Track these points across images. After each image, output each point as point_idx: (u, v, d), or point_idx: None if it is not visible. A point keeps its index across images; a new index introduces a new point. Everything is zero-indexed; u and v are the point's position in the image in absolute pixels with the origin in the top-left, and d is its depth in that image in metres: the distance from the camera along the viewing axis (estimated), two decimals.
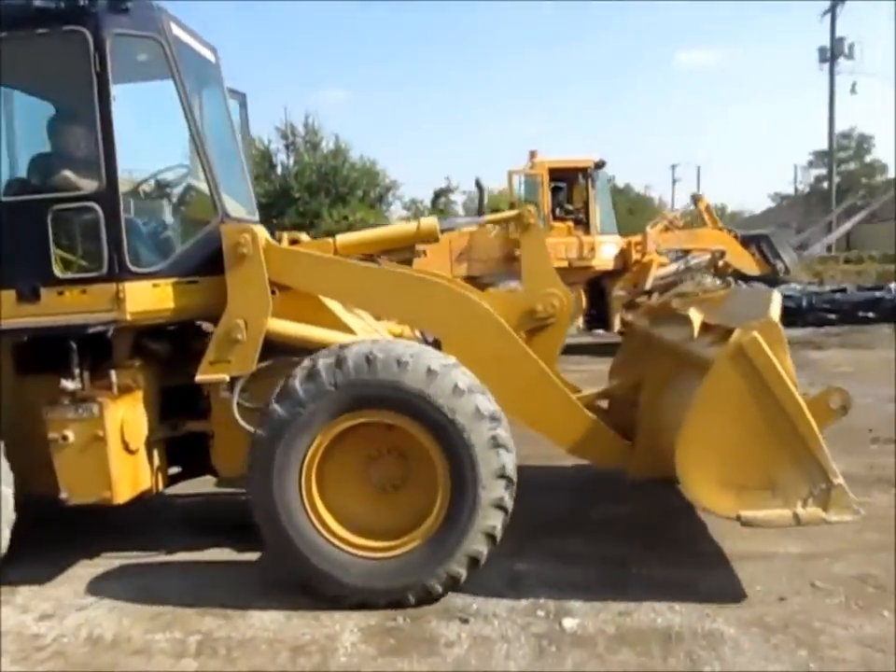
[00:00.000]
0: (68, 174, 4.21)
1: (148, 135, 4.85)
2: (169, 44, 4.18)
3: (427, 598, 3.74)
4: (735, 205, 59.28)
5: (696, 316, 4.07)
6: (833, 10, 29.91)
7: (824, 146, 33.47)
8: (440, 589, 3.74)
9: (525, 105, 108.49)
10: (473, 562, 3.73)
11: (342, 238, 4.80)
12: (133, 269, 4.07)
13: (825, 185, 33.48)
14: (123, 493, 4.16)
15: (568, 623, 3.57)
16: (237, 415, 4.19)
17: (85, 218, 4.14)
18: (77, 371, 4.06)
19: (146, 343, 4.44)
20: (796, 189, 49.80)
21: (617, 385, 5.24)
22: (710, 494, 3.50)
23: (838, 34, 30.05)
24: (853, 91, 32.45)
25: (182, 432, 4.55)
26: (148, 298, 4.13)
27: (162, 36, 4.17)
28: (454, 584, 3.76)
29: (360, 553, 3.79)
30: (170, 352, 4.55)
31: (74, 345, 4.04)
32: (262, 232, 4.33)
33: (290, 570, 3.91)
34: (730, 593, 3.79)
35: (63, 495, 4.08)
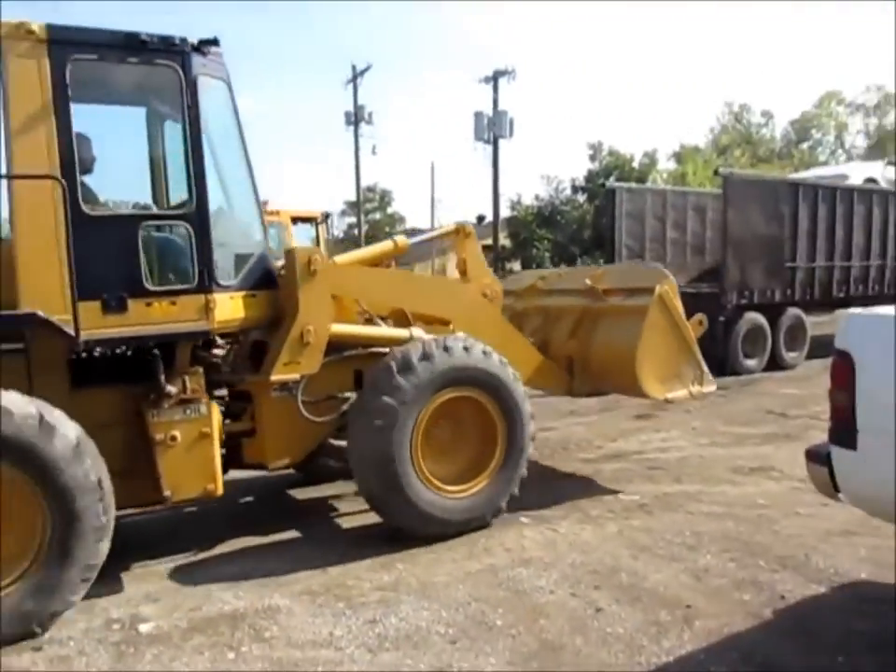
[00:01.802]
0: (160, 192, 4.70)
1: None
2: (231, 88, 4.76)
3: (497, 514, 5.26)
4: None
5: (601, 284, 6.28)
6: (354, 80, 34.34)
7: (353, 197, 38.11)
8: (505, 506, 5.28)
9: None
10: (521, 483, 5.36)
11: (341, 257, 5.71)
12: (219, 282, 4.48)
13: (356, 231, 38.30)
14: (221, 485, 4.65)
15: (144, 627, 3.93)
16: (302, 408, 4.99)
17: (176, 235, 4.49)
18: (172, 377, 4.47)
19: (197, 352, 4.77)
20: (333, 235, 55.14)
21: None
22: (653, 387, 5.68)
23: (360, 101, 34.60)
24: (374, 152, 37.95)
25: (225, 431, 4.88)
26: (228, 309, 4.56)
27: (228, 81, 4.74)
28: (513, 500, 5.31)
29: (451, 495, 5.04)
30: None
31: (158, 353, 4.43)
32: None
33: (397, 515, 4.94)
34: (283, 572, 4.56)
35: (167, 493, 4.43)
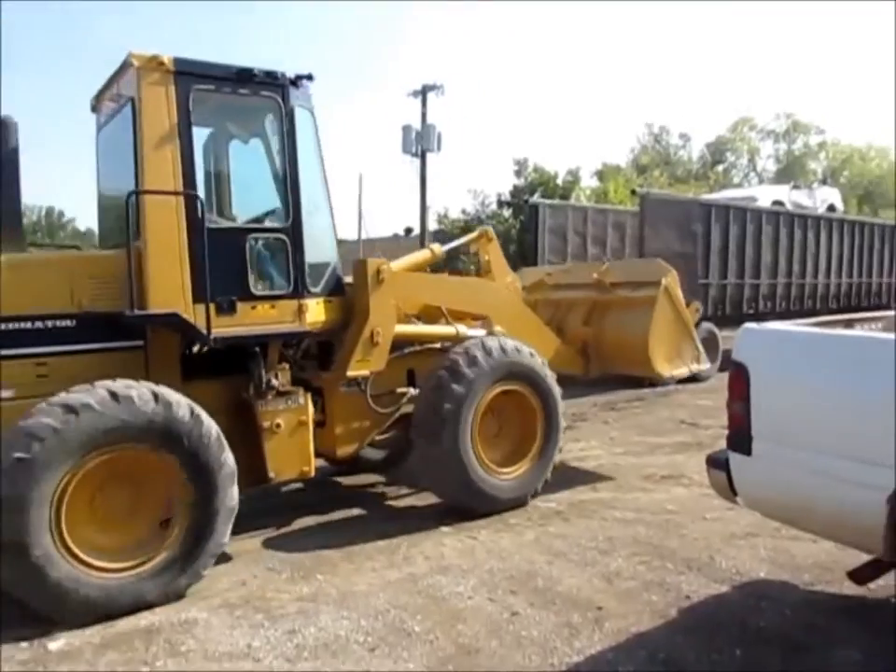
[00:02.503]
0: (263, 209, 5.23)
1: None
2: (314, 116, 5.34)
3: (535, 495, 6.01)
4: None
5: (608, 278, 7.21)
6: None
7: None
8: (541, 486, 6.05)
9: None
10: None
11: (396, 263, 6.23)
12: (309, 289, 5.14)
13: None
14: (314, 468, 5.29)
15: (54, 644, 3.83)
16: (371, 401, 5.71)
17: (276, 247, 5.05)
18: (267, 371, 5.07)
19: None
20: None
21: None
22: (662, 366, 6.61)
23: None
24: None
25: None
26: (314, 312, 5.20)
27: (313, 110, 5.33)
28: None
29: (501, 476, 5.79)
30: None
31: (257, 350, 5.06)
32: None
33: (457, 494, 5.65)
34: (200, 585, 4.50)
35: (272, 475, 5.05)
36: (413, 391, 5.94)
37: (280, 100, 5.08)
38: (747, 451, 3.33)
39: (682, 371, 6.88)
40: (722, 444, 7.84)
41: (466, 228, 30.30)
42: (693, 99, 78.60)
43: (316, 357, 5.79)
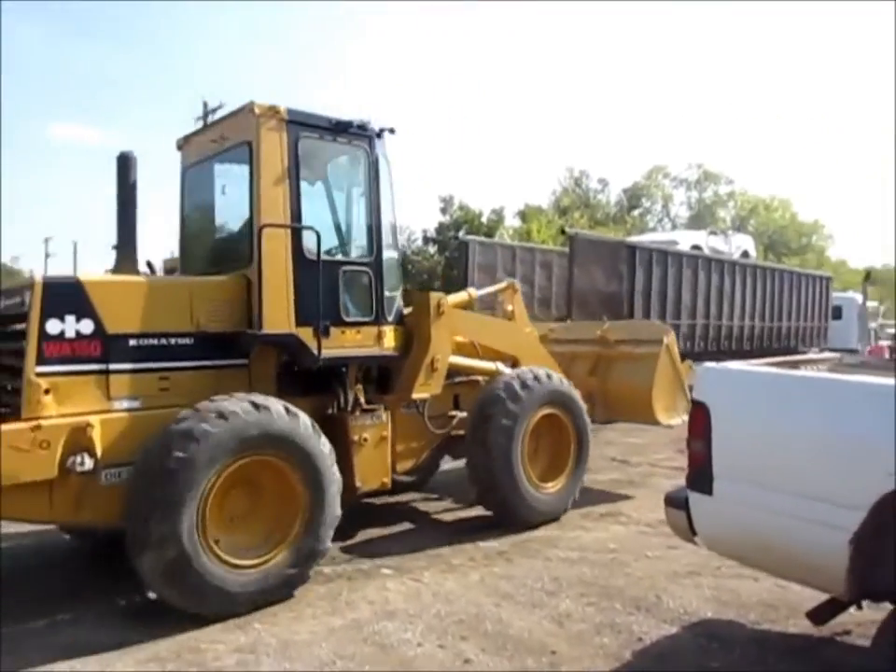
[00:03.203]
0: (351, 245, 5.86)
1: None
2: (389, 163, 5.85)
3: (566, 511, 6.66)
4: None
5: (611, 336, 7.98)
6: (205, 118, 33.35)
7: None
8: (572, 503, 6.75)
9: None
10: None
11: (448, 301, 6.40)
12: (386, 318, 5.73)
13: None
14: (390, 480, 5.88)
15: None
16: (428, 422, 6.30)
17: (361, 279, 5.60)
18: (356, 390, 5.67)
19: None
20: None
21: None
22: (662, 415, 7.33)
23: None
24: (223, 192, 36.71)
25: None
26: (388, 338, 5.76)
27: (388, 157, 5.84)
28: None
29: (543, 491, 6.47)
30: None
31: (347, 370, 5.66)
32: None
33: (507, 506, 6.23)
34: (129, 638, 4.15)
35: (359, 485, 5.46)
36: (461, 414, 6.57)
37: (367, 149, 5.74)
38: (707, 490, 3.32)
39: (676, 421, 7.52)
40: (654, 481, 8.04)
41: None
42: (611, 145, 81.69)
43: (374, 381, 6.10)
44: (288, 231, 5.19)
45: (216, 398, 4.57)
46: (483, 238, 18.60)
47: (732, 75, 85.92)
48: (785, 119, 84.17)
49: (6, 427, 4.13)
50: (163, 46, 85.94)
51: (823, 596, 4.27)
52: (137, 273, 5.44)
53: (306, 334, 5.19)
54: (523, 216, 35.23)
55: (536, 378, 6.45)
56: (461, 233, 29.84)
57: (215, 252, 6.09)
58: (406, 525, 6.55)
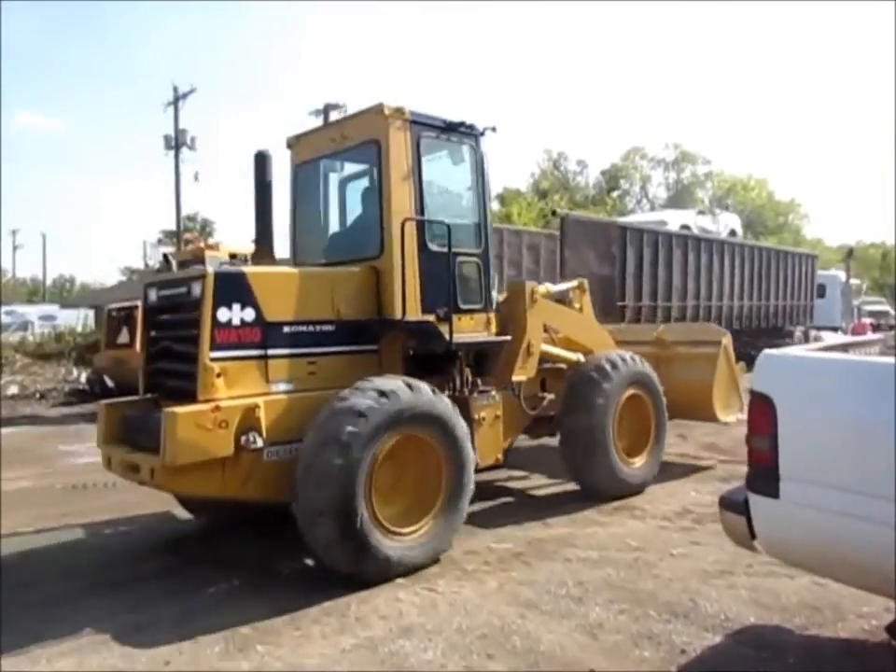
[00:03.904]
0: (463, 237, 5.96)
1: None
2: (487, 159, 6.24)
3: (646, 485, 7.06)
4: (86, 277, 58.40)
5: (668, 337, 8.36)
6: (175, 103, 32.41)
7: (172, 226, 35.74)
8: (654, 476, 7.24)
9: None
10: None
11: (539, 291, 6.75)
12: (492, 304, 6.14)
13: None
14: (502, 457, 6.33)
15: None
16: (523, 403, 6.62)
17: (473, 268, 6.02)
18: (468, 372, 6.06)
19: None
20: (147, 265, 51.70)
21: None
22: (720, 413, 7.85)
23: (182, 125, 32.64)
24: (196, 179, 35.79)
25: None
26: (493, 324, 6.16)
27: (485, 153, 6.23)
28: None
29: (630, 465, 6.92)
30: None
31: (462, 355, 6.01)
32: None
33: (601, 480, 6.63)
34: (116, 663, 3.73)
35: (478, 461, 5.62)
36: (550, 396, 6.90)
37: (475, 146, 6.16)
38: (772, 493, 2.96)
39: (732, 419, 8.03)
40: (661, 472, 7.72)
41: None
42: (589, 127, 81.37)
43: (472, 365, 6.26)
44: (415, 224, 5.54)
45: (371, 378, 4.96)
46: None
47: (732, 75, 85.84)
48: (785, 118, 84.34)
49: (193, 408, 4.57)
50: (119, 33, 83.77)
51: (865, 595, 4.00)
52: (276, 264, 5.72)
53: (432, 321, 5.64)
54: (502, 199, 34.79)
55: (623, 360, 6.91)
56: None
57: (335, 244, 6.48)
58: None
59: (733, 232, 19.43)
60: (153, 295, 5.43)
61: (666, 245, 14.68)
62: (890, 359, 2.73)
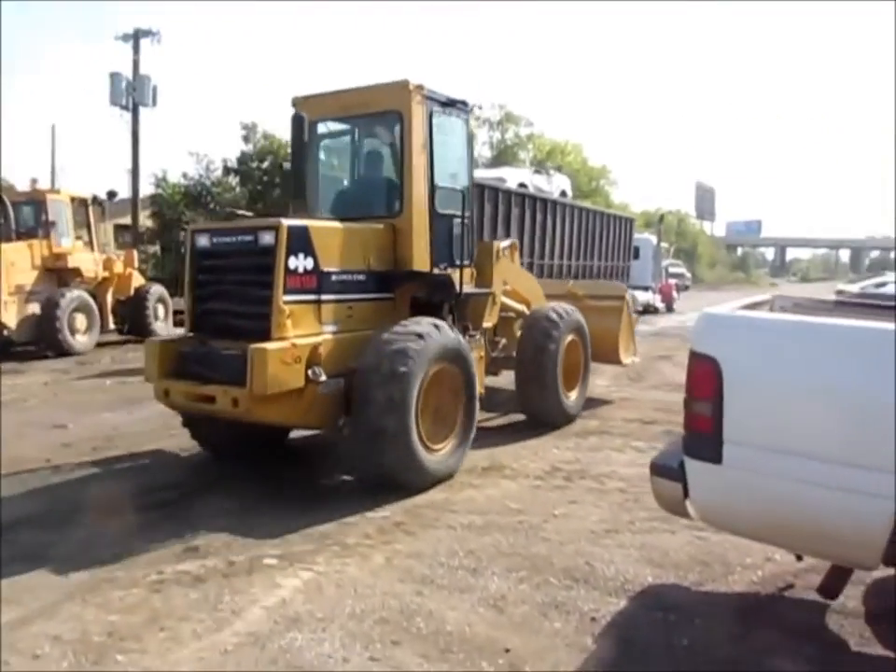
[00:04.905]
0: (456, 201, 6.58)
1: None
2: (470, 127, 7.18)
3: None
4: None
5: (578, 291, 9.55)
6: None
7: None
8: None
9: None
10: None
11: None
12: (474, 261, 7.05)
13: None
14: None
15: None
16: (488, 346, 7.58)
17: (459, 229, 6.61)
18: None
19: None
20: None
21: None
22: (623, 356, 9.40)
23: None
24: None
25: None
26: (474, 278, 7.13)
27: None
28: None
29: (569, 399, 8.23)
30: None
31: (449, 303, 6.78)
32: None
33: (545, 410, 7.87)
34: None
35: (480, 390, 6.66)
36: (503, 340, 7.98)
37: (466, 119, 7.00)
38: (714, 458, 2.83)
39: (629, 361, 9.78)
40: (515, 424, 7.71)
41: (187, 193, 27.67)
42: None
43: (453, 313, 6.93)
44: (427, 189, 6.29)
45: (405, 322, 5.79)
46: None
47: (734, 76, 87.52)
48: (785, 118, 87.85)
49: (278, 345, 5.20)
50: None
51: (745, 546, 4.10)
52: (310, 218, 6.07)
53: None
54: None
55: (567, 312, 8.02)
56: (265, 164, 27.84)
57: (348, 201, 6.99)
58: (262, 494, 5.60)
59: (563, 193, 19.94)
60: (204, 240, 5.82)
61: (506, 203, 14.66)
62: (853, 322, 2.65)
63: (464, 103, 6.82)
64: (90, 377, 11.54)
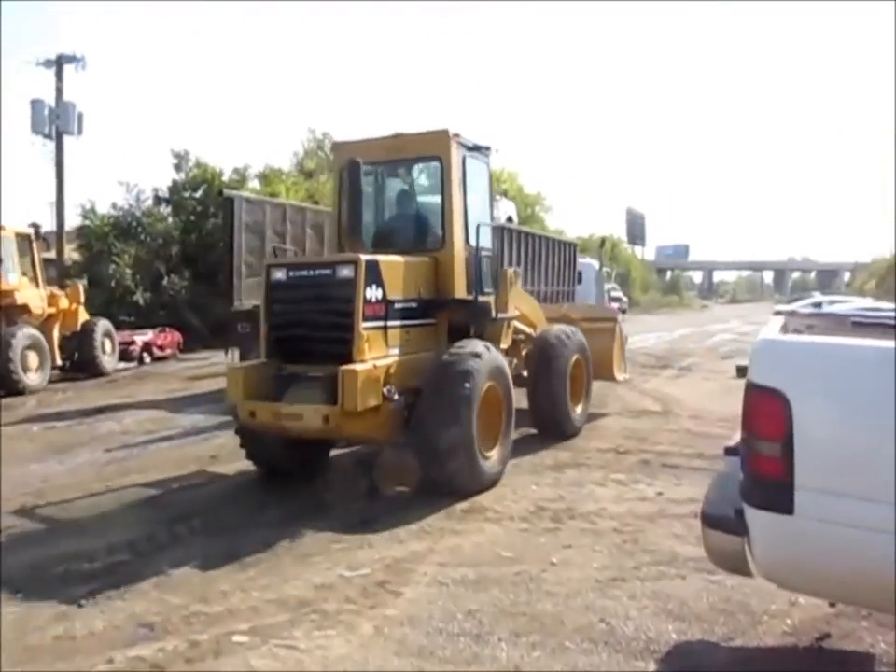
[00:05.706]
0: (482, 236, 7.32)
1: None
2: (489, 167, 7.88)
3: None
4: None
5: (573, 314, 10.28)
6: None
7: None
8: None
9: None
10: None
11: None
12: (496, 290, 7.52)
13: None
14: None
15: None
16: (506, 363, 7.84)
17: (490, 262, 7.50)
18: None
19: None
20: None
21: None
22: (616, 374, 10.17)
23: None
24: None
25: None
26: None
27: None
28: None
29: (575, 413, 8.93)
30: None
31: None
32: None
33: (559, 422, 8.47)
34: None
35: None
36: (515, 361, 8.15)
37: (488, 162, 7.66)
38: (784, 508, 2.43)
39: (622, 377, 10.52)
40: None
41: (116, 224, 26.42)
42: (352, 106, 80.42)
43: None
44: (463, 225, 7.01)
45: (460, 343, 6.49)
46: (250, 194, 16.53)
47: (734, 77, 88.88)
48: (785, 118, 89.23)
49: (363, 366, 5.79)
50: None
51: (766, 590, 3.73)
52: (364, 252, 6.41)
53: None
54: (265, 178, 32.76)
55: (573, 333, 8.77)
56: (199, 193, 26.92)
57: (388, 235, 7.36)
58: (219, 552, 4.96)
59: (510, 219, 19.80)
60: (280, 274, 6.34)
61: None
62: None
63: (487, 148, 7.60)
64: (14, 423, 10.55)
